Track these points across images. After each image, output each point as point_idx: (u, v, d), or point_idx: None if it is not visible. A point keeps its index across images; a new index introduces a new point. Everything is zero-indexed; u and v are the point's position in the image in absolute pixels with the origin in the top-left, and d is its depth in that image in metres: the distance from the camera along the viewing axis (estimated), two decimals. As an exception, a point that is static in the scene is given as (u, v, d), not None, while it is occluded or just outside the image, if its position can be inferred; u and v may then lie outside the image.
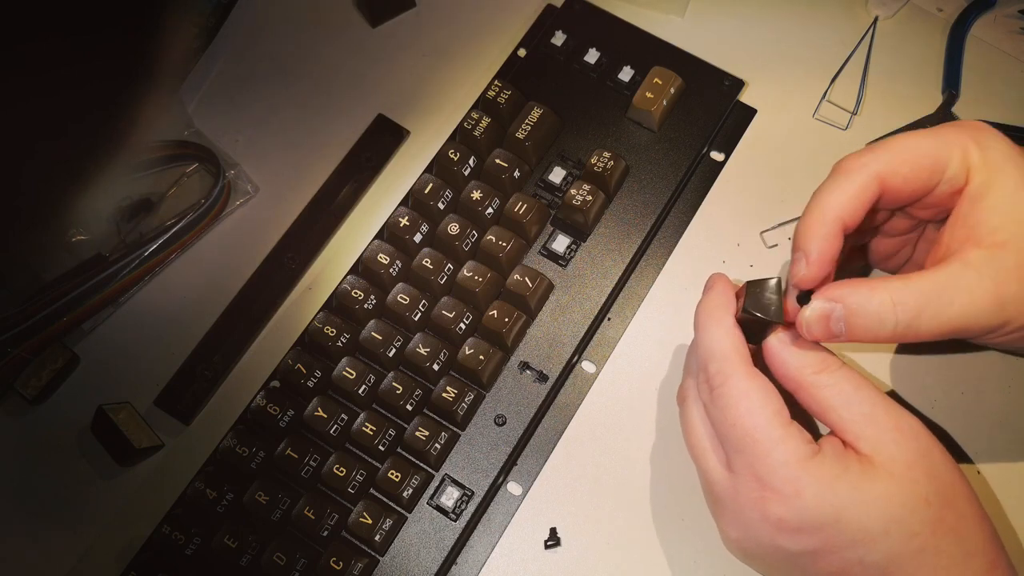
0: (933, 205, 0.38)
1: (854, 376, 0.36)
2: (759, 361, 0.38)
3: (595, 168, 0.46)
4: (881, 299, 0.35)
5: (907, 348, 0.45)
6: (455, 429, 0.43)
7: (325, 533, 0.42)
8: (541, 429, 0.44)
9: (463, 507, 0.42)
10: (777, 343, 0.38)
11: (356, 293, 0.45)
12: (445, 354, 0.44)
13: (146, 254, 0.47)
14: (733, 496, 0.36)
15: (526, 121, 0.47)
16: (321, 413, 0.43)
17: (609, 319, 0.46)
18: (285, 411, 0.43)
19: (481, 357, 0.43)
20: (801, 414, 0.37)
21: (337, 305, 0.45)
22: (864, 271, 0.45)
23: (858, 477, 0.34)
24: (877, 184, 0.36)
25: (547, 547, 0.42)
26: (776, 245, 0.47)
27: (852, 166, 0.37)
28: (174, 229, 0.47)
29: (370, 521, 0.41)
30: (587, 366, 0.45)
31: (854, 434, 0.35)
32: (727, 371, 0.36)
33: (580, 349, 0.45)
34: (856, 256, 0.44)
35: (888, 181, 0.36)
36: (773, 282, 0.37)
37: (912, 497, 0.34)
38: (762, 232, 0.47)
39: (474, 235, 0.46)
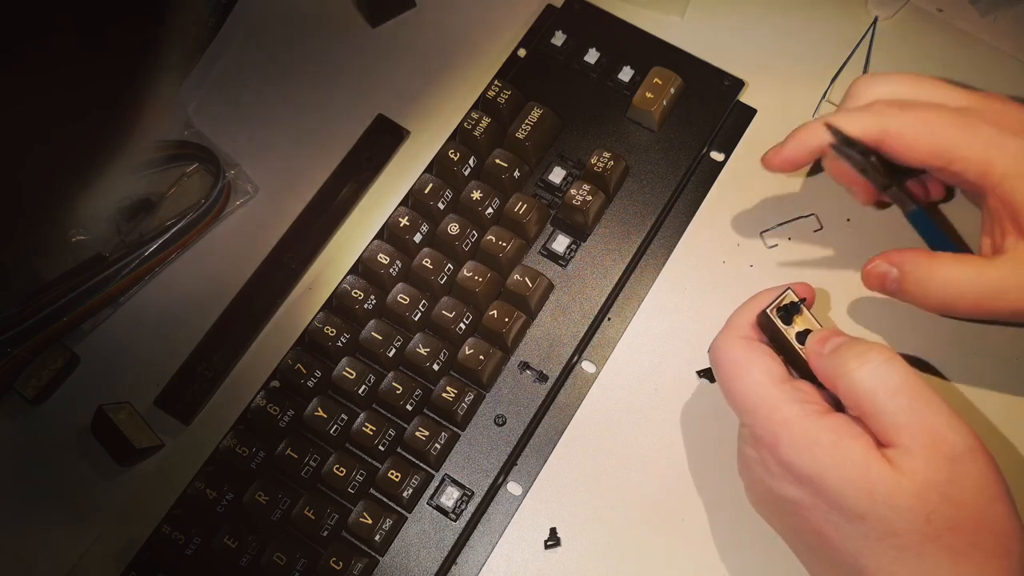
0: (951, 180, 0.41)
1: (896, 376, 0.35)
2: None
3: (595, 168, 0.46)
4: (932, 274, 0.39)
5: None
6: (455, 429, 0.43)
7: (325, 533, 0.42)
8: (541, 429, 0.44)
9: (463, 507, 0.42)
10: (814, 344, 0.38)
11: (356, 293, 0.45)
12: (445, 354, 0.44)
13: (146, 254, 0.47)
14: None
15: (526, 121, 0.47)
16: (321, 413, 0.43)
17: (609, 319, 0.46)
18: (285, 411, 0.43)
19: (481, 357, 0.43)
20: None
21: (337, 305, 0.45)
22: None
23: (862, 457, 0.34)
24: (880, 135, 0.39)
25: (547, 547, 0.42)
26: (776, 245, 0.47)
27: (870, 110, 0.40)
28: (174, 229, 0.47)
29: (370, 521, 0.41)
30: (587, 366, 0.45)
31: (886, 439, 0.35)
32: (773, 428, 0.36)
33: (580, 349, 0.45)
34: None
35: (890, 141, 0.39)
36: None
37: (910, 510, 0.33)
38: (762, 232, 0.47)
39: (474, 235, 0.46)
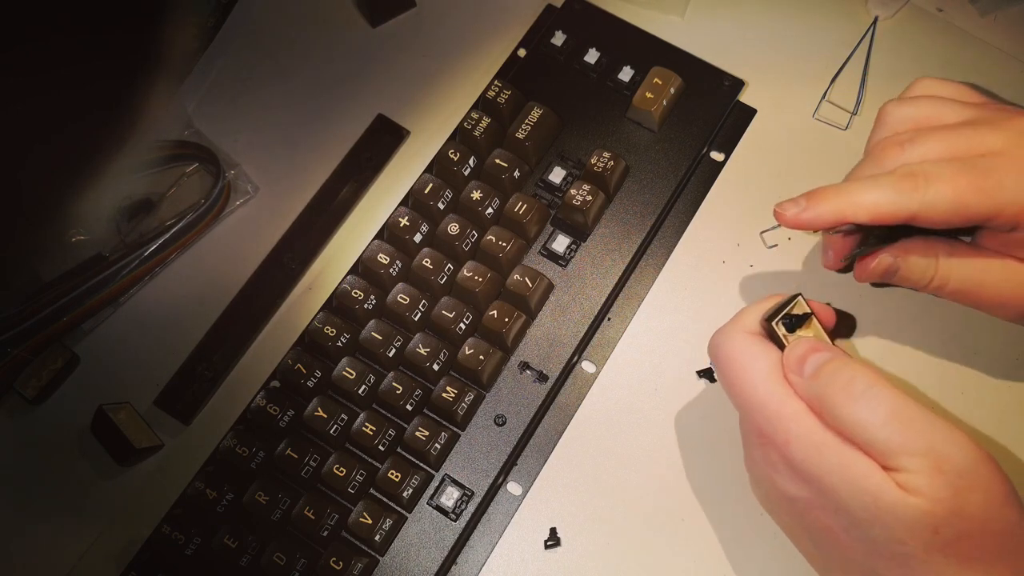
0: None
1: (883, 404, 0.34)
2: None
3: (595, 168, 0.46)
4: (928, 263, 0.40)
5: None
6: (455, 429, 0.43)
7: (325, 533, 0.42)
8: (541, 429, 0.44)
9: (463, 507, 0.42)
10: (793, 363, 0.36)
11: (356, 293, 0.45)
12: (445, 354, 0.44)
13: (146, 254, 0.47)
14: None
15: (526, 121, 0.47)
16: (321, 413, 0.43)
17: (609, 319, 0.46)
18: (285, 411, 0.43)
19: (481, 357, 0.43)
20: None
21: (337, 305, 0.45)
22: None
23: (867, 465, 0.33)
24: (909, 217, 0.37)
25: (547, 547, 0.42)
26: (776, 245, 0.47)
27: (892, 186, 0.37)
28: (174, 229, 0.47)
29: (370, 521, 0.41)
30: (587, 366, 0.45)
31: (885, 465, 0.34)
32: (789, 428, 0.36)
33: (580, 349, 0.45)
34: None
35: (920, 221, 0.37)
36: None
37: (916, 522, 0.33)
38: (762, 232, 0.47)
39: (474, 235, 0.46)
